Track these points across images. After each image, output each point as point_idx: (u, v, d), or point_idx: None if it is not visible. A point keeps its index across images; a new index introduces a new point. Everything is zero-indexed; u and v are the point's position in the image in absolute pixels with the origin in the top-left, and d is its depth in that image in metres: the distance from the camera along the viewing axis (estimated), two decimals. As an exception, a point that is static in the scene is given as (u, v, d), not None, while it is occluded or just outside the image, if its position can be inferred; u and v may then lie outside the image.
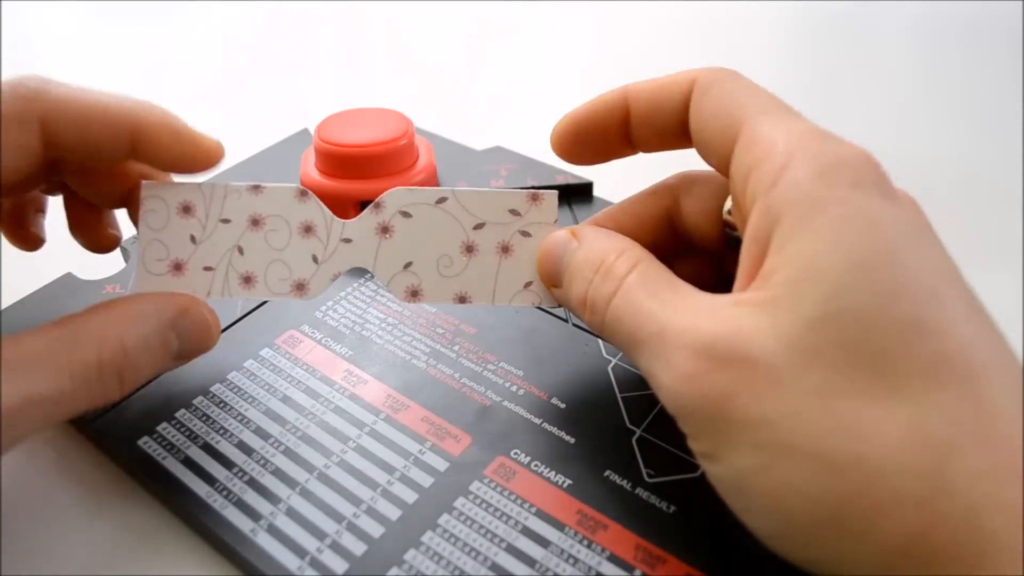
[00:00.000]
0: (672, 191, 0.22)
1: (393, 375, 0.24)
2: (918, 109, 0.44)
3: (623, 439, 0.21)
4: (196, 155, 0.21)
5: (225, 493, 0.20)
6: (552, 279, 0.21)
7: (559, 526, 0.19)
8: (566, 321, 0.26)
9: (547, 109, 0.44)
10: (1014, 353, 0.16)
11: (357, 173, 0.29)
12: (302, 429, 0.22)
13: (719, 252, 0.22)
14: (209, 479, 0.20)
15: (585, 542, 0.19)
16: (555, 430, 0.22)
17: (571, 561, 0.18)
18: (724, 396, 0.15)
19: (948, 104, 0.44)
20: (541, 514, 0.19)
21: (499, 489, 0.20)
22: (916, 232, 0.16)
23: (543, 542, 0.19)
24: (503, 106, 0.45)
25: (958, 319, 0.15)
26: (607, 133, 0.22)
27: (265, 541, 0.19)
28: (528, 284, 0.22)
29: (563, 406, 0.22)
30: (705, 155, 0.20)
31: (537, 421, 0.22)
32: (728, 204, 0.20)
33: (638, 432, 0.22)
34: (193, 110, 0.44)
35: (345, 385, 0.23)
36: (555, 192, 0.22)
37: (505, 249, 0.22)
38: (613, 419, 0.22)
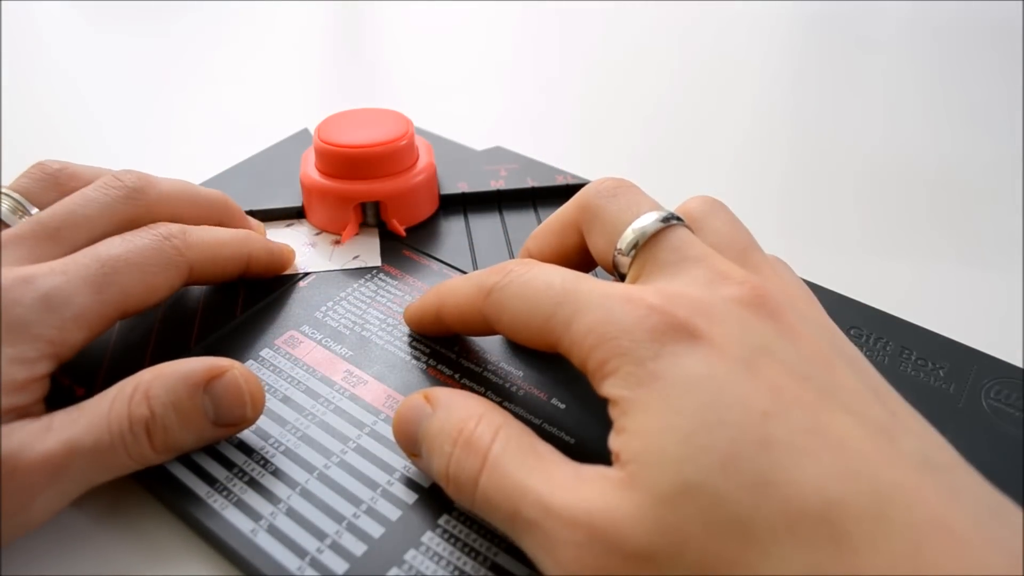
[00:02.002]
0: (576, 227, 0.22)
1: (393, 376, 0.24)
2: (918, 109, 0.44)
3: (623, 439, 0.21)
4: (283, 266, 0.28)
5: (225, 493, 0.20)
6: (410, 448, 0.20)
7: (559, 526, 0.19)
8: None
9: (547, 109, 0.45)
10: (893, 414, 0.16)
11: (357, 173, 0.29)
12: (302, 429, 0.22)
13: None
14: (209, 479, 0.20)
15: (585, 542, 0.19)
16: (555, 430, 0.22)
17: (571, 561, 0.18)
18: None
19: (948, 104, 0.44)
20: (541, 514, 0.19)
21: (499, 489, 0.20)
22: (731, 373, 0.16)
23: (543, 542, 0.19)
24: (503, 106, 0.45)
25: (799, 457, 0.15)
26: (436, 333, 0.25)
27: (265, 541, 0.19)
28: None
29: (563, 407, 0.22)
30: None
31: (537, 421, 0.22)
32: (618, 245, 0.20)
33: (638, 432, 0.22)
34: (193, 110, 0.44)
35: (345, 386, 0.23)
36: None
37: None
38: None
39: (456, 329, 0.23)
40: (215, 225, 0.25)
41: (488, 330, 0.21)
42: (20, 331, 0.19)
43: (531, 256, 0.24)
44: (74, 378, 0.23)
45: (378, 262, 0.28)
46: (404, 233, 0.30)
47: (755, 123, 0.44)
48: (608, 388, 0.17)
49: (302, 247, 0.29)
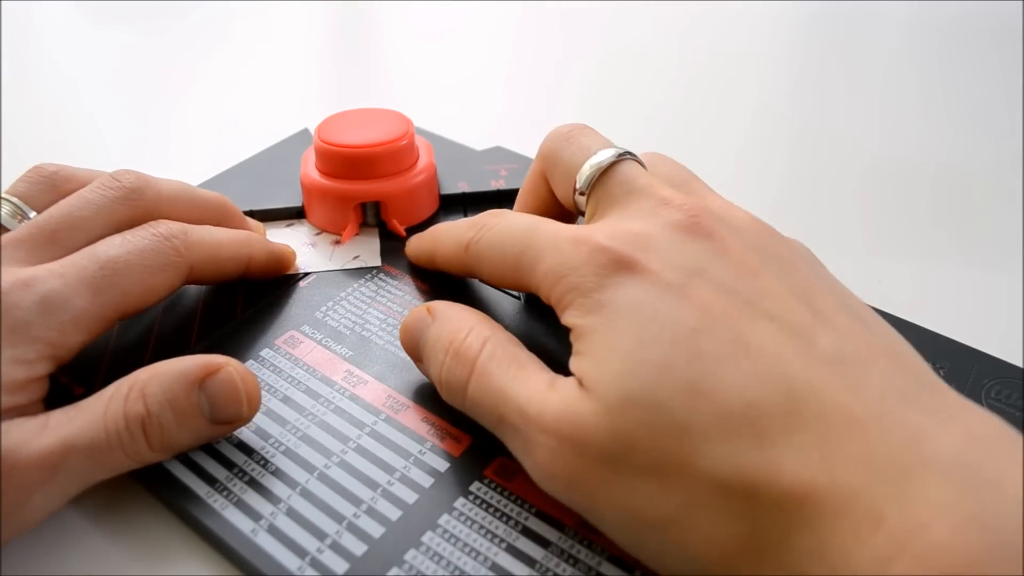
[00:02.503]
0: (543, 176, 0.25)
1: (393, 375, 0.24)
2: (917, 109, 0.44)
3: (623, 439, 0.21)
4: (283, 267, 0.27)
5: (225, 493, 0.20)
6: (413, 355, 0.23)
7: (559, 526, 0.19)
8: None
9: (547, 109, 0.45)
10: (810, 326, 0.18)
11: (357, 173, 0.29)
12: (302, 429, 0.22)
13: None
14: (209, 479, 0.20)
15: (585, 542, 0.19)
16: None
17: (571, 561, 0.18)
18: (587, 489, 0.17)
19: (947, 104, 0.44)
20: (541, 514, 0.19)
21: (499, 489, 0.20)
22: (665, 297, 0.18)
23: (543, 542, 0.19)
24: (503, 106, 0.45)
25: (724, 365, 0.17)
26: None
27: (265, 541, 0.19)
28: None
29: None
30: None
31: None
32: (577, 185, 0.23)
33: (638, 432, 0.22)
34: (194, 110, 0.44)
35: (345, 385, 0.23)
36: None
37: None
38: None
39: (443, 267, 0.26)
40: (215, 226, 0.25)
41: (468, 272, 0.24)
42: (20, 333, 0.19)
43: (431, 251, 0.26)
44: (73, 378, 0.23)
45: (378, 262, 0.28)
46: (404, 233, 0.30)
47: (755, 123, 0.44)
48: (566, 318, 0.19)
49: (302, 247, 0.29)
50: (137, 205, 0.24)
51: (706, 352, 0.17)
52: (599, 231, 0.20)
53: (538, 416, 0.18)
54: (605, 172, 0.22)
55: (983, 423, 0.16)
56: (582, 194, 0.22)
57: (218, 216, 0.26)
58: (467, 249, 0.23)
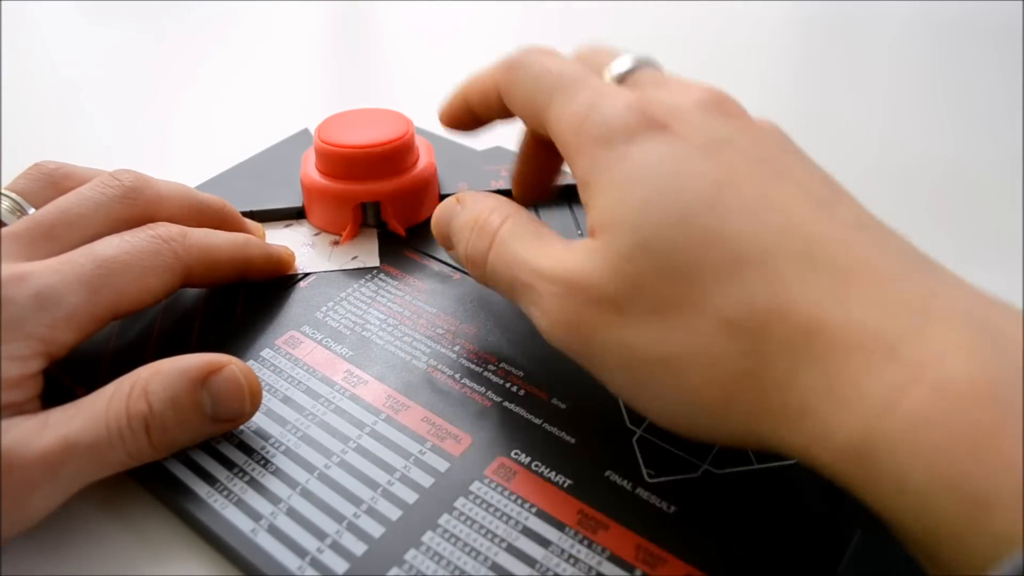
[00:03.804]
0: (496, 84, 0.25)
1: (393, 376, 0.24)
2: (917, 109, 0.44)
3: (623, 439, 0.21)
4: (282, 269, 0.27)
5: (225, 493, 0.20)
6: (444, 242, 0.24)
7: (559, 526, 0.19)
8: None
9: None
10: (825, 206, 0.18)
11: (357, 173, 0.29)
12: (302, 429, 0.22)
13: None
14: (209, 479, 0.20)
15: (586, 542, 0.19)
16: (556, 430, 0.22)
17: (572, 561, 0.18)
18: (587, 331, 0.18)
19: (947, 104, 0.44)
20: (541, 514, 0.19)
21: (499, 489, 0.20)
22: (691, 155, 0.18)
23: (543, 542, 0.19)
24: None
25: (744, 217, 0.17)
26: (468, 125, 0.27)
27: (265, 541, 0.19)
28: None
29: (564, 407, 0.22)
30: (535, 130, 0.23)
31: (538, 421, 0.22)
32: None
33: (638, 432, 0.22)
34: (193, 110, 0.44)
35: (345, 386, 0.23)
36: None
37: None
38: (613, 419, 0.22)
39: (479, 109, 0.26)
40: (213, 228, 0.25)
41: (501, 105, 0.24)
42: (13, 328, 0.19)
43: (465, 92, 0.27)
44: (75, 378, 0.23)
45: (376, 262, 0.28)
46: (404, 233, 0.30)
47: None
48: (581, 167, 0.20)
49: (301, 247, 0.29)
50: (135, 204, 0.24)
51: (728, 203, 0.17)
52: (634, 95, 0.20)
53: (549, 270, 0.19)
54: (630, 73, 0.22)
55: (987, 292, 0.16)
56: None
57: (217, 219, 0.26)
58: (508, 68, 0.23)
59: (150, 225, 0.23)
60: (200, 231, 0.24)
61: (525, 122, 0.23)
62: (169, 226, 0.23)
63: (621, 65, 0.23)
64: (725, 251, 0.17)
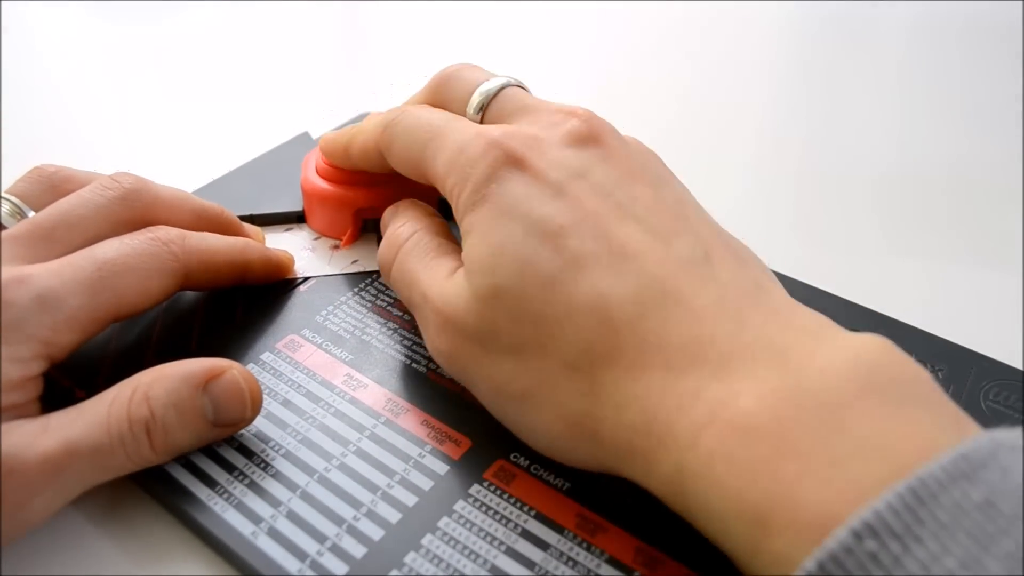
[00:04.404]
0: (377, 148, 0.26)
1: (393, 379, 0.24)
2: (917, 110, 0.44)
3: (622, 442, 0.21)
4: (281, 273, 0.28)
5: (226, 496, 0.20)
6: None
7: (558, 529, 0.19)
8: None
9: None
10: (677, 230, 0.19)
11: (358, 178, 0.29)
12: (303, 432, 0.22)
13: None
14: (210, 482, 0.21)
15: (584, 544, 0.19)
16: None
17: (570, 564, 0.18)
18: (462, 361, 0.20)
19: (947, 104, 0.44)
20: (540, 517, 0.20)
21: (498, 492, 0.20)
22: (542, 196, 0.20)
23: (542, 544, 0.19)
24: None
25: (583, 263, 0.18)
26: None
27: (266, 544, 0.19)
28: None
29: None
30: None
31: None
32: (467, 110, 0.25)
33: (637, 435, 0.22)
34: (193, 113, 0.44)
35: (345, 389, 0.23)
36: None
37: None
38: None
39: (357, 161, 0.27)
40: (212, 233, 0.25)
41: (384, 165, 0.26)
42: (14, 330, 0.19)
43: (347, 146, 0.27)
44: (75, 381, 0.23)
45: (376, 267, 0.29)
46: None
47: (755, 123, 0.44)
48: (458, 211, 0.21)
49: (301, 252, 0.29)
50: (134, 206, 0.24)
51: (569, 248, 0.19)
52: (499, 129, 0.21)
53: (434, 298, 0.21)
54: (495, 97, 0.24)
55: (804, 317, 0.18)
56: (473, 117, 0.24)
57: (216, 224, 0.26)
58: (385, 129, 0.25)
59: (150, 228, 0.23)
60: (199, 234, 0.24)
61: (409, 176, 0.25)
62: (168, 229, 0.23)
63: (486, 87, 0.24)
64: (566, 297, 0.18)
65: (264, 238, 0.29)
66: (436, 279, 0.21)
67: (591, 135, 0.21)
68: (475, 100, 0.24)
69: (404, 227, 0.24)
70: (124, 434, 0.19)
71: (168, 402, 0.20)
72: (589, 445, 0.18)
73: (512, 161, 0.20)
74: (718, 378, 0.16)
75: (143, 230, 0.23)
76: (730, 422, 0.15)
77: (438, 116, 0.23)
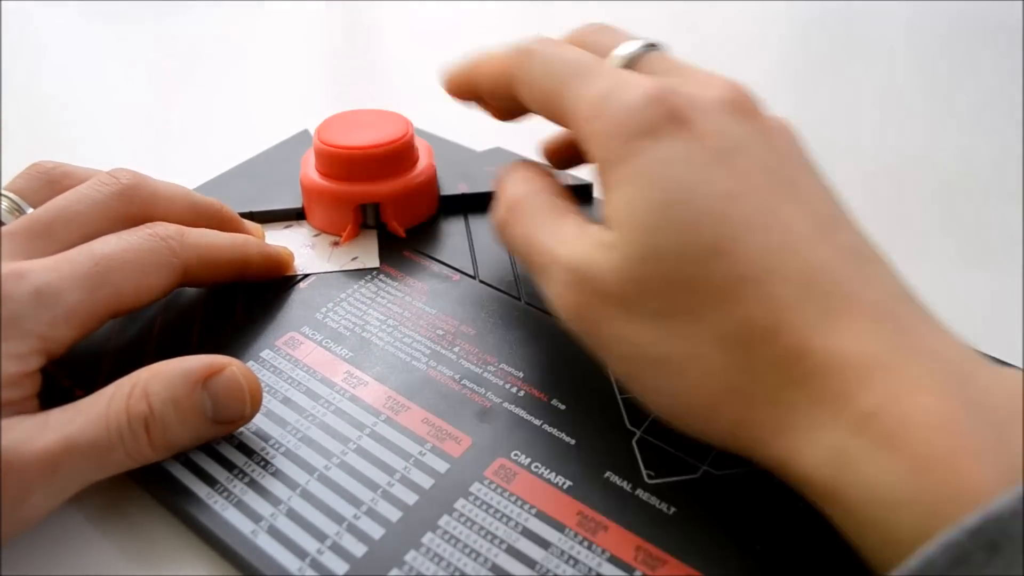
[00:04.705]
0: (508, 75, 0.24)
1: (393, 377, 0.24)
2: (917, 110, 0.44)
3: (623, 440, 0.21)
4: (280, 269, 0.27)
5: (225, 494, 0.20)
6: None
7: (559, 527, 0.19)
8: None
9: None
10: (826, 230, 0.18)
11: (357, 175, 0.29)
12: (302, 431, 0.22)
13: None
14: (209, 480, 0.20)
15: (585, 543, 0.19)
16: (555, 431, 0.22)
17: (571, 562, 0.18)
18: (594, 322, 0.19)
19: (947, 104, 0.44)
20: (541, 515, 0.19)
21: (499, 490, 0.20)
22: (707, 159, 0.19)
23: (543, 543, 0.19)
24: (503, 107, 0.45)
25: (749, 234, 0.18)
26: (471, 101, 0.27)
27: (265, 542, 0.19)
28: None
29: (563, 408, 0.22)
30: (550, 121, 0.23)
31: (537, 423, 0.22)
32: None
33: (638, 433, 0.22)
34: (193, 111, 0.44)
35: (345, 387, 0.23)
36: None
37: None
38: (613, 420, 0.22)
39: (484, 90, 0.25)
40: (211, 229, 0.25)
41: (508, 95, 0.24)
42: (12, 326, 0.19)
43: (471, 74, 0.26)
44: (74, 380, 0.23)
45: (376, 263, 0.28)
46: (404, 234, 0.30)
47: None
48: (600, 161, 0.20)
49: (300, 248, 0.29)
50: (132, 202, 0.24)
51: (736, 217, 0.18)
52: (657, 81, 0.20)
53: (562, 257, 0.20)
54: (643, 56, 0.22)
55: (956, 336, 0.18)
56: None
57: (215, 220, 0.26)
58: (520, 54, 0.23)
59: (148, 224, 0.23)
60: (198, 230, 0.24)
61: (539, 112, 0.23)
62: (167, 225, 0.23)
63: (628, 48, 0.23)
64: (729, 268, 0.17)
65: (264, 234, 0.29)
66: (565, 237, 0.20)
67: (750, 109, 0.20)
68: (622, 50, 0.23)
69: (519, 186, 0.23)
70: (123, 430, 0.19)
71: (167, 398, 0.20)
72: (731, 421, 0.18)
73: (674, 119, 0.19)
74: (889, 371, 0.16)
75: (142, 226, 0.23)
76: (904, 414, 0.15)
77: (584, 54, 0.22)
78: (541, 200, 0.22)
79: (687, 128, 0.19)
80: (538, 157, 0.34)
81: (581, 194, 0.32)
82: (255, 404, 0.21)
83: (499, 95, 0.25)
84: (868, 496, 0.15)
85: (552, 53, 0.22)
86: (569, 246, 0.20)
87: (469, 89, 0.26)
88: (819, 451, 0.16)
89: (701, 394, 0.18)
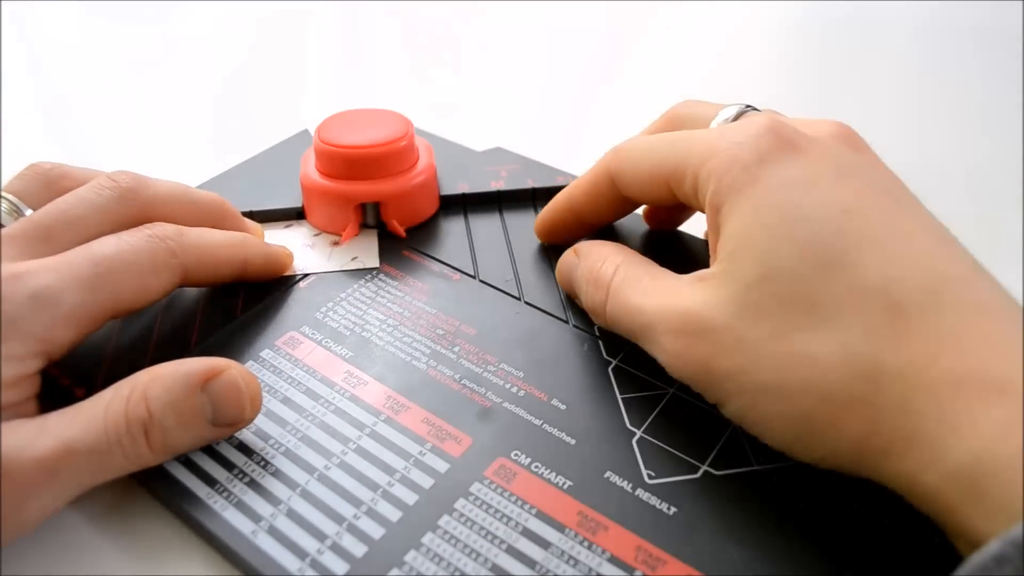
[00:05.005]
0: (607, 173, 0.25)
1: (393, 376, 0.24)
2: (917, 109, 0.44)
3: (623, 440, 0.21)
4: (280, 269, 0.27)
5: (225, 494, 0.20)
6: (572, 294, 0.26)
7: (559, 527, 0.19)
8: (566, 322, 0.26)
9: (547, 109, 0.45)
10: (942, 242, 0.19)
11: (357, 174, 0.29)
12: (302, 430, 0.22)
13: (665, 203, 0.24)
14: (209, 480, 0.20)
15: (585, 543, 0.19)
16: (555, 431, 0.22)
17: (571, 562, 0.18)
18: (705, 362, 0.19)
19: (947, 104, 0.44)
20: (541, 515, 0.19)
21: (499, 490, 0.20)
22: (822, 179, 0.19)
23: (543, 543, 0.19)
24: (503, 106, 0.45)
25: (869, 245, 0.18)
26: (570, 231, 0.28)
27: (265, 542, 0.19)
28: None
29: (563, 407, 0.22)
30: (655, 202, 0.25)
31: (537, 422, 0.22)
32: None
33: (638, 433, 0.22)
34: (193, 111, 0.44)
35: (345, 386, 0.23)
36: None
37: None
38: (613, 420, 0.22)
39: (587, 212, 0.26)
40: (212, 227, 0.25)
41: (612, 195, 0.25)
42: (11, 328, 0.19)
43: (568, 196, 0.27)
44: (74, 379, 0.23)
45: (376, 263, 0.28)
46: (404, 234, 0.30)
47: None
48: (714, 195, 0.20)
49: (300, 248, 0.29)
50: (132, 205, 0.23)
51: (853, 231, 0.18)
52: (771, 116, 0.20)
53: (665, 310, 0.20)
54: (740, 117, 0.23)
55: None
56: None
57: (215, 217, 0.26)
58: (616, 152, 0.24)
59: (147, 225, 0.23)
60: (197, 230, 0.24)
61: (646, 198, 0.24)
62: (166, 226, 0.23)
63: (729, 111, 0.23)
64: (848, 280, 0.17)
65: (263, 234, 0.29)
66: (665, 294, 0.21)
67: (860, 143, 0.21)
68: (724, 114, 0.23)
69: (606, 265, 0.23)
70: (122, 435, 0.19)
71: (166, 402, 0.20)
72: (855, 437, 0.17)
73: (790, 145, 0.19)
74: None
75: (141, 227, 0.23)
76: None
77: (677, 132, 0.23)
78: (633, 269, 0.22)
79: (801, 152, 0.19)
80: (535, 156, 0.34)
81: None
82: (255, 406, 0.21)
83: (598, 200, 0.26)
84: (1003, 509, 0.14)
85: (646, 140, 0.23)
86: (670, 296, 0.20)
87: (567, 210, 0.27)
88: (954, 461, 0.15)
89: (823, 413, 0.17)
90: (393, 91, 0.47)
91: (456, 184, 0.32)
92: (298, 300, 0.27)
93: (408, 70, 0.50)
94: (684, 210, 0.28)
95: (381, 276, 0.28)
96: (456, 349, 0.25)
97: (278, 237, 0.30)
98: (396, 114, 0.31)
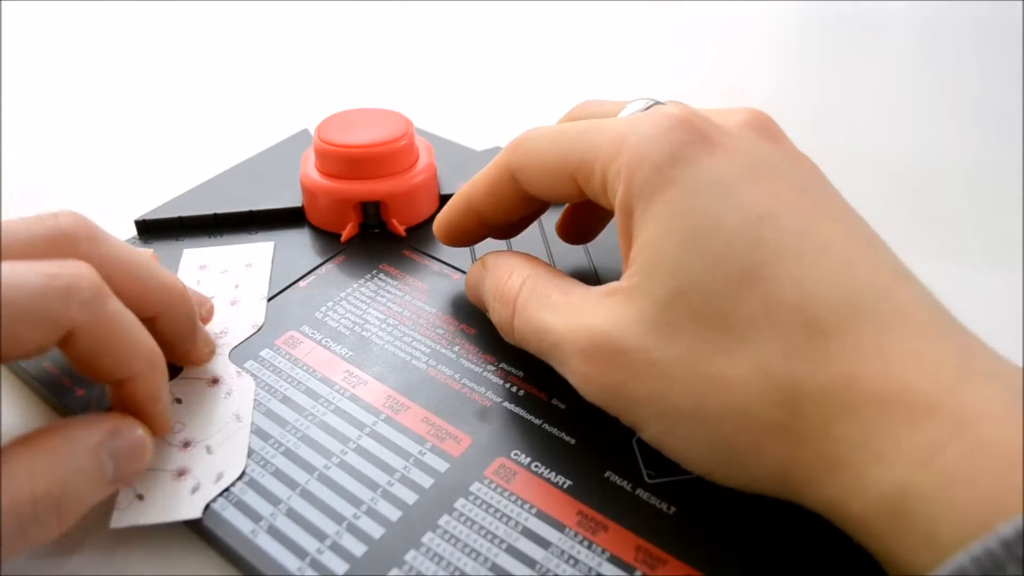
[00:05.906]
0: (508, 169, 0.23)
1: (393, 376, 0.24)
2: (917, 109, 0.44)
3: (623, 440, 0.21)
4: (159, 425, 0.20)
5: (225, 494, 0.20)
6: (480, 306, 0.24)
7: (559, 527, 0.19)
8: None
9: (547, 109, 0.45)
10: (873, 248, 0.17)
11: (357, 173, 0.29)
12: (302, 430, 0.22)
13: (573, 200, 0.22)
14: (209, 480, 0.20)
15: (585, 543, 0.19)
16: (555, 431, 0.22)
17: (571, 562, 0.18)
18: (618, 386, 0.18)
19: (947, 104, 0.44)
20: (541, 515, 0.19)
21: (499, 490, 0.20)
22: (737, 181, 0.18)
23: (543, 543, 0.19)
24: (503, 106, 0.45)
25: (786, 256, 0.16)
26: (471, 233, 0.25)
27: (265, 542, 0.19)
28: None
29: (563, 407, 0.22)
30: (561, 200, 0.22)
31: (537, 422, 0.22)
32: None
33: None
34: (193, 110, 0.44)
35: (345, 386, 0.23)
36: None
37: None
38: (613, 420, 0.22)
39: (489, 213, 0.24)
40: (158, 314, 0.21)
41: (515, 193, 0.23)
42: None
43: (467, 195, 0.24)
44: (73, 379, 0.23)
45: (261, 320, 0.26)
46: (404, 233, 0.30)
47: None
48: (624, 197, 0.19)
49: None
50: (62, 252, 0.19)
51: (769, 242, 0.17)
52: (681, 107, 0.19)
53: (574, 330, 0.19)
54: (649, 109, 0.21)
55: (1004, 358, 0.16)
56: None
57: (164, 303, 0.21)
58: (516, 147, 0.22)
59: (58, 261, 0.18)
60: (120, 308, 0.18)
61: (549, 191, 0.22)
62: (81, 270, 0.18)
63: (636, 105, 0.22)
64: (763, 296, 0.16)
65: (215, 351, 0.24)
66: (574, 312, 0.19)
67: (775, 132, 0.20)
68: (631, 108, 0.22)
69: (512, 279, 0.21)
70: (25, 518, 0.16)
71: (78, 473, 0.17)
72: (777, 463, 0.16)
73: (704, 139, 0.18)
74: (954, 396, 0.14)
75: (50, 261, 0.17)
76: (974, 443, 0.14)
77: (583, 121, 0.21)
78: (541, 282, 0.21)
79: (715, 147, 0.18)
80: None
81: None
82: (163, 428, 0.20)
83: (499, 200, 0.23)
84: (931, 538, 0.14)
85: (549, 130, 0.21)
86: (579, 314, 0.19)
87: (465, 211, 0.24)
88: (879, 488, 0.15)
89: (743, 439, 0.16)
90: (393, 91, 0.47)
91: (456, 184, 0.32)
92: (298, 299, 0.27)
93: (408, 70, 0.50)
94: (599, 219, 0.26)
95: (381, 275, 0.28)
96: (456, 348, 0.25)
97: (241, 250, 0.29)
98: (396, 113, 0.31)
